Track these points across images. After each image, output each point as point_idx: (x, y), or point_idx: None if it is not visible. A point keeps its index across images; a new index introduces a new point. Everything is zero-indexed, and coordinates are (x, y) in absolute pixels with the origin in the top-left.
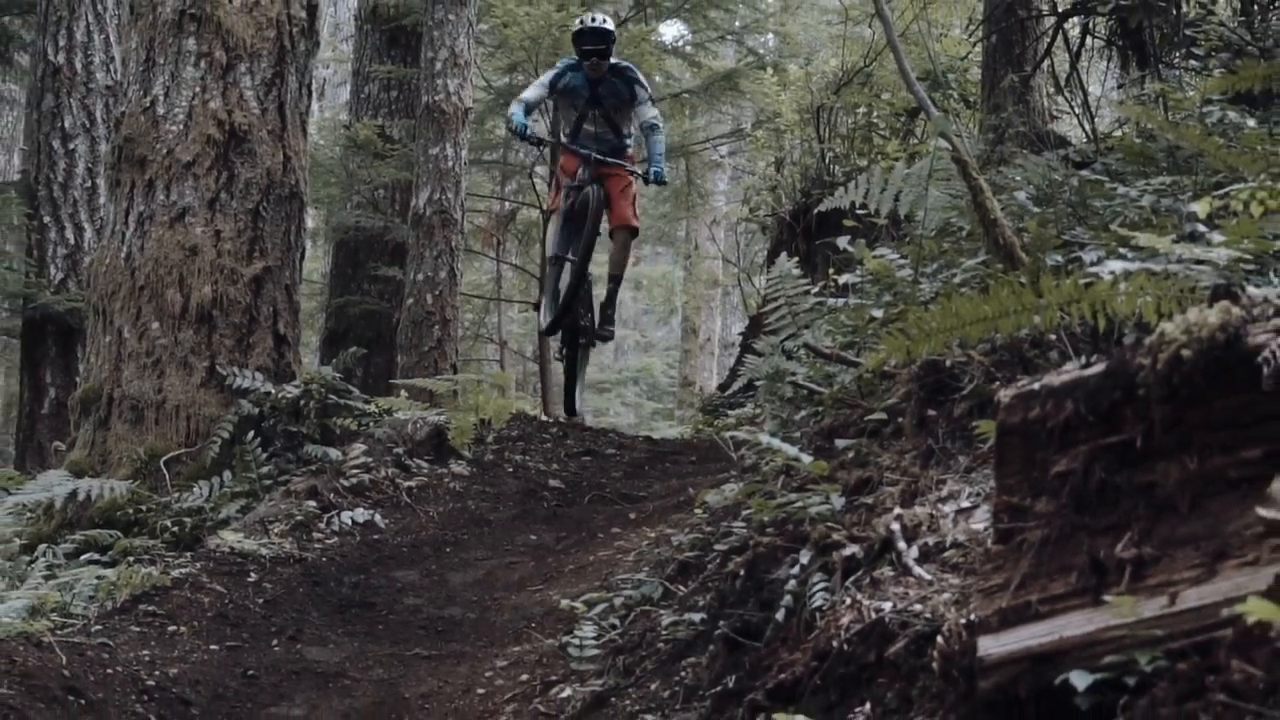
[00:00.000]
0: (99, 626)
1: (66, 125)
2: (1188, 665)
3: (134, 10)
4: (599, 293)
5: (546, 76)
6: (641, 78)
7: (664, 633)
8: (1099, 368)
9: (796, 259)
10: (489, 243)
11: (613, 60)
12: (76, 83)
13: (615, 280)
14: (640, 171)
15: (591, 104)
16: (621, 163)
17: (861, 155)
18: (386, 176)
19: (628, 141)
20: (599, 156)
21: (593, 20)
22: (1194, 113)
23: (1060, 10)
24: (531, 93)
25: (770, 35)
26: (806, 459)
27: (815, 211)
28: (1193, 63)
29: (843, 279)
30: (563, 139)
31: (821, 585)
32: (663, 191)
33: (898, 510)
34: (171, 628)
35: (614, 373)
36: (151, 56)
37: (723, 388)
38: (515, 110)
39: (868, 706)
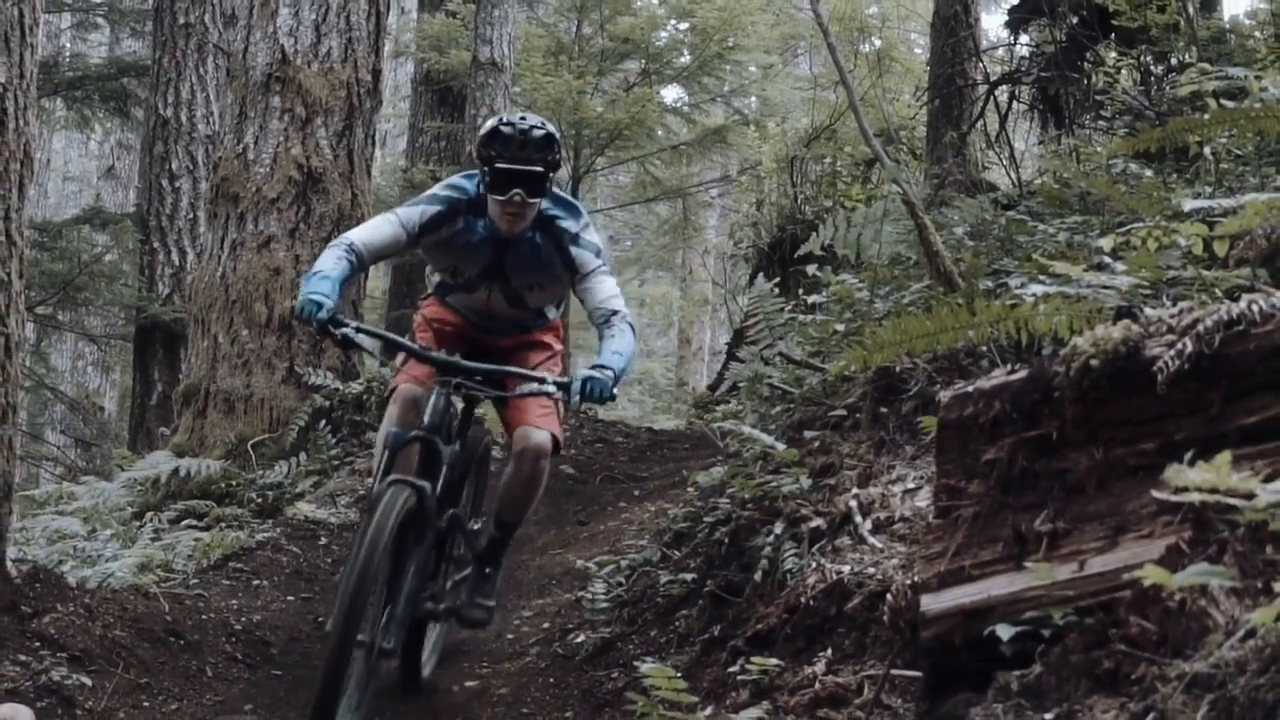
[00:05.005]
0: (196, 580)
1: (173, 167)
2: (1094, 620)
3: (230, 73)
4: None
5: (412, 212)
6: (581, 228)
7: (661, 590)
8: (1022, 374)
9: (773, 282)
10: None
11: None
12: (182, 132)
13: (506, 528)
14: (556, 388)
15: (489, 278)
16: (527, 336)
17: (827, 198)
18: None
19: (548, 314)
20: (470, 366)
21: (523, 119)
22: (1102, 165)
23: (991, 80)
24: (367, 234)
25: (753, 98)
26: (780, 447)
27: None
28: (1101, 123)
29: (811, 299)
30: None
31: (792, 551)
32: (663, 225)
33: (855, 490)
34: (255, 582)
35: None
36: (244, 111)
37: (712, 388)
38: (320, 274)
39: (829, 651)
